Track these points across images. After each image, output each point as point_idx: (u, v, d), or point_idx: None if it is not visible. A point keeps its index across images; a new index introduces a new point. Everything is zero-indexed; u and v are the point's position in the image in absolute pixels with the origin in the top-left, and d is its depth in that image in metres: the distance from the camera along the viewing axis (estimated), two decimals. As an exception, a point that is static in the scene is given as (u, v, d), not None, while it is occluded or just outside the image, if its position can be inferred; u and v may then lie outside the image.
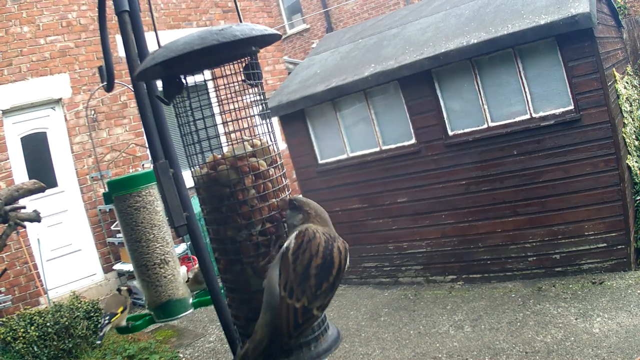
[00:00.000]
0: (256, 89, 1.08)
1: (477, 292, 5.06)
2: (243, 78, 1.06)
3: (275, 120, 7.09)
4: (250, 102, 1.10)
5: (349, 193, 5.95)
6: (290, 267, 0.92)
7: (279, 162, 1.08)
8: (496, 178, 5.08)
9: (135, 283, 1.72)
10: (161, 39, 1.05)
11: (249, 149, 1.04)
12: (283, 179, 1.08)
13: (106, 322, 1.66)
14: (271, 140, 1.09)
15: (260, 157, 1.05)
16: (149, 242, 1.66)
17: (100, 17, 1.55)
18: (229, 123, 1.07)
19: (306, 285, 0.92)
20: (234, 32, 0.91)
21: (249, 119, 1.07)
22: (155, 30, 1.26)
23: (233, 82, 1.06)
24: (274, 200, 1.04)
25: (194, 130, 1.06)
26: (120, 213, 1.64)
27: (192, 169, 1.08)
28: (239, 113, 1.06)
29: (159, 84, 1.12)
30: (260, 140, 1.07)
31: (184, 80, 1.01)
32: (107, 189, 1.69)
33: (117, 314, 1.68)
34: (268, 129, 1.10)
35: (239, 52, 1.01)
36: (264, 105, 1.11)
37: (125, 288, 1.81)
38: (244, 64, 1.06)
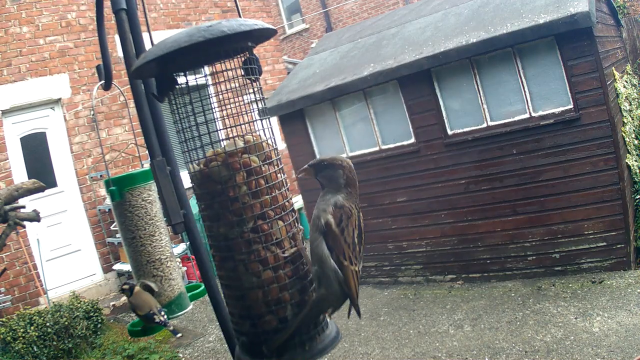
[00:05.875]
0: (254, 84, 1.08)
1: (477, 292, 5.06)
2: (242, 73, 1.05)
3: (274, 119, 7.09)
4: (248, 98, 1.10)
5: (349, 192, 5.93)
6: (341, 239, 1.04)
7: (274, 158, 1.06)
8: (495, 177, 5.08)
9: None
10: (160, 39, 1.05)
11: (241, 145, 1.03)
12: (279, 175, 1.06)
13: (166, 317, 1.58)
14: (266, 136, 1.08)
15: (253, 154, 1.03)
16: (162, 236, 1.66)
17: (97, 15, 1.55)
18: (225, 119, 1.06)
19: (355, 252, 1.08)
20: (222, 28, 0.91)
21: (245, 115, 1.07)
22: (148, 28, 1.26)
23: (230, 78, 1.05)
24: (267, 197, 1.03)
25: (191, 126, 1.05)
26: (134, 208, 1.63)
27: (187, 166, 1.08)
28: (236, 109, 1.05)
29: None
30: (253, 136, 1.06)
31: (176, 78, 1.01)
32: (112, 185, 1.67)
33: (157, 307, 1.60)
34: (264, 124, 1.08)
35: (233, 47, 1.00)
36: (261, 101, 1.10)
37: (128, 287, 1.77)
38: (242, 60, 1.05)
